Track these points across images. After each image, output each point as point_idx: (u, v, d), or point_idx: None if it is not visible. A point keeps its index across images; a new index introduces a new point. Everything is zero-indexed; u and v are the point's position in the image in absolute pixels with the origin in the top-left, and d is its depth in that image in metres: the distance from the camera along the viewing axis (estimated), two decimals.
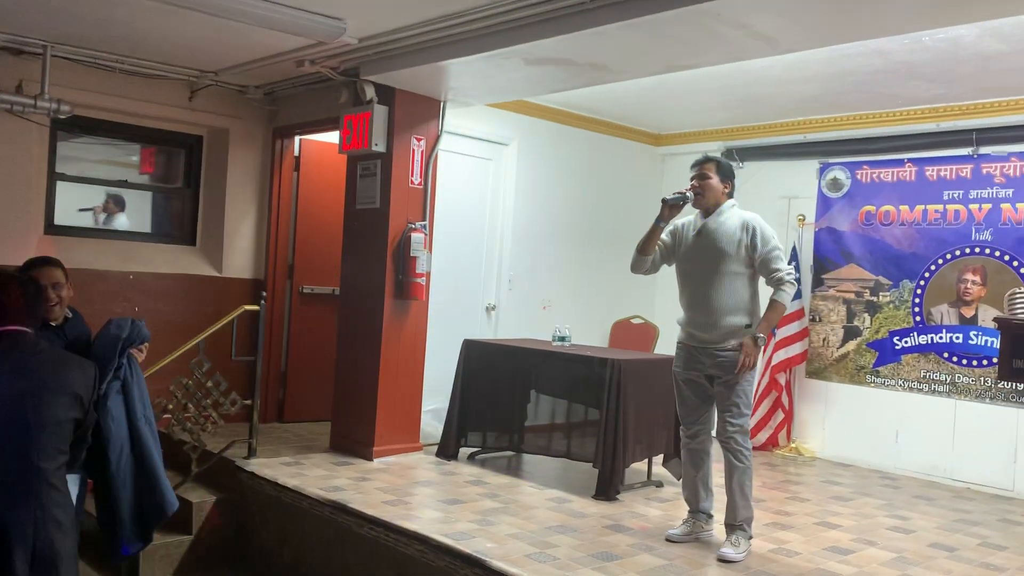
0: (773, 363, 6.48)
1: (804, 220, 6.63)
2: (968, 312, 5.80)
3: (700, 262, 3.88)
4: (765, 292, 3.89)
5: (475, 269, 6.43)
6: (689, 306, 3.94)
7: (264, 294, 5.31)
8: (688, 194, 3.84)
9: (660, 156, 7.62)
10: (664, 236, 3.97)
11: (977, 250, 5.77)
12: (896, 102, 5.89)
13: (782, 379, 6.48)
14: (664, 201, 3.83)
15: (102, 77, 5.55)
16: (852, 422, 6.29)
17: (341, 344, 5.57)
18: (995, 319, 2.39)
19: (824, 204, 6.56)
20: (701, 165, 3.91)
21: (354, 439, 5.41)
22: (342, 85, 5.41)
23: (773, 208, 6.74)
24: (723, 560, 3.71)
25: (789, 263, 6.24)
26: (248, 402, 5.10)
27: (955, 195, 5.89)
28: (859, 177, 6.39)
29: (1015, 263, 5.63)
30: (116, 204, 6.15)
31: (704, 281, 3.86)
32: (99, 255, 5.75)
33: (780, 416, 6.48)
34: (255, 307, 5.11)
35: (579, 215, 7.06)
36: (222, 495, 4.88)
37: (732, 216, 3.89)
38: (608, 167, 7.23)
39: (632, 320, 7.06)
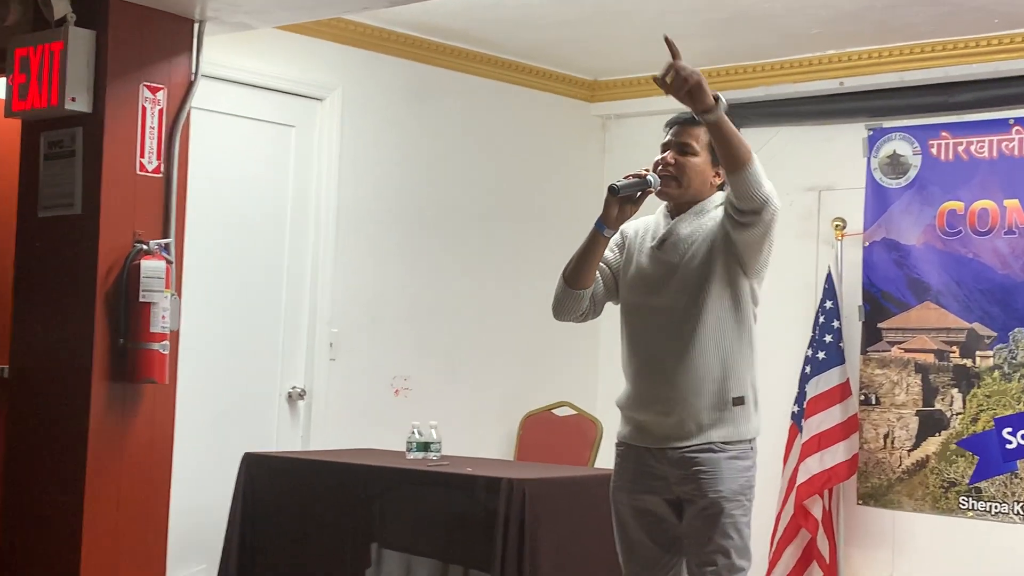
0: (799, 481, 6.43)
1: (844, 228, 6.70)
2: None
3: (662, 292, 3.96)
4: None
5: (267, 324, 6.40)
6: (639, 372, 3.96)
7: None
8: (651, 178, 3.91)
9: (598, 119, 7.58)
10: (608, 252, 4.10)
11: None
12: (993, 23, 5.95)
13: (817, 509, 6.45)
14: (612, 190, 3.86)
15: None
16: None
17: (13, 465, 5.33)
18: None
19: (878, 199, 6.60)
20: (682, 127, 4.01)
21: None
22: None
23: (792, 207, 6.76)
24: None
25: (824, 303, 6.53)
26: None
27: None
28: (934, 152, 6.44)
29: None
30: None
31: (668, 326, 3.92)
32: None
33: (818, 574, 6.46)
34: None
35: (460, 221, 7.06)
36: None
37: (718, 216, 3.95)
38: (511, 137, 7.27)
39: (555, 411, 7.03)
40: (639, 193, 3.89)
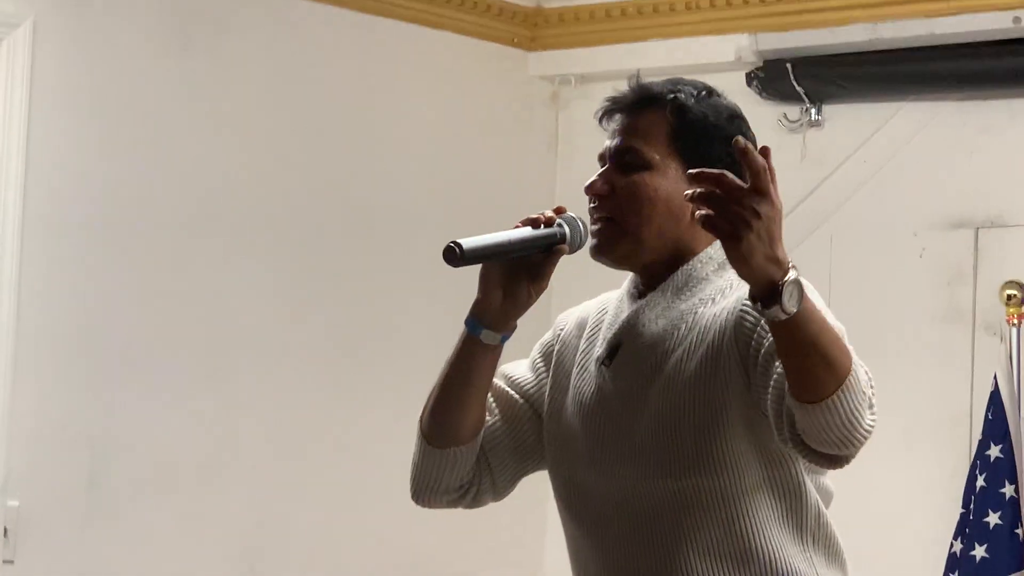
0: None
1: None
2: None
3: (615, 459, 3.59)
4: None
5: None
6: None
7: None
8: (573, 229, 3.56)
9: (543, 81, 7.44)
10: (526, 372, 3.77)
11: None
12: None
13: None
14: (451, 255, 3.50)
15: None
16: None
17: None
18: None
19: None
20: (627, 115, 3.62)
21: None
22: None
23: (923, 260, 6.64)
24: None
25: (985, 447, 6.37)
26: None
27: None
28: None
29: None
30: None
31: (635, 529, 3.58)
32: None
33: None
34: None
35: (296, 245, 6.94)
36: None
37: (729, 304, 3.45)
38: (379, 113, 7.17)
39: None
40: (552, 248, 3.52)
